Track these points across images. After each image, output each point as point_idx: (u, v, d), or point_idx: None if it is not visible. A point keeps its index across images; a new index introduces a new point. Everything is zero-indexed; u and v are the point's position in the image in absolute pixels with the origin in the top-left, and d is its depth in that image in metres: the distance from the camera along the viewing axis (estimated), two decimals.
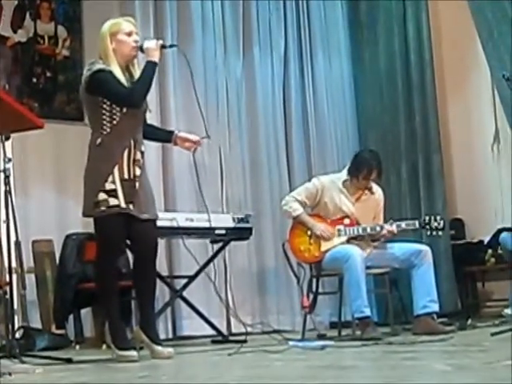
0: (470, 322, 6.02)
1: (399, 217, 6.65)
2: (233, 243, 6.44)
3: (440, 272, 6.82)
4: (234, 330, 7.05)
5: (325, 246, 5.79)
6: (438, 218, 5.80)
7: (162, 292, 6.59)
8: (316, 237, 5.81)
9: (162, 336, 6.43)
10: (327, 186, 5.91)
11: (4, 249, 4.61)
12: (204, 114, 7.16)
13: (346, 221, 5.84)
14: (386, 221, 5.90)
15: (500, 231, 7.07)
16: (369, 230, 5.78)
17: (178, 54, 7.10)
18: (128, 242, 4.88)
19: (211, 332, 6.34)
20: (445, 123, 8.27)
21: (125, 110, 4.61)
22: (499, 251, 7.29)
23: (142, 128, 4.79)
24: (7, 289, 4.80)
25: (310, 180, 6.24)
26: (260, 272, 7.57)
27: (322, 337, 6.05)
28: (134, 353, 4.57)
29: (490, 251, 7.74)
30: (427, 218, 5.81)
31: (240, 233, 6.18)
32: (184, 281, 6.23)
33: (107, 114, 4.60)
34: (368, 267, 5.63)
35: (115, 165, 4.56)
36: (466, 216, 8.20)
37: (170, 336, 6.88)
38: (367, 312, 5.51)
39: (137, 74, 4.72)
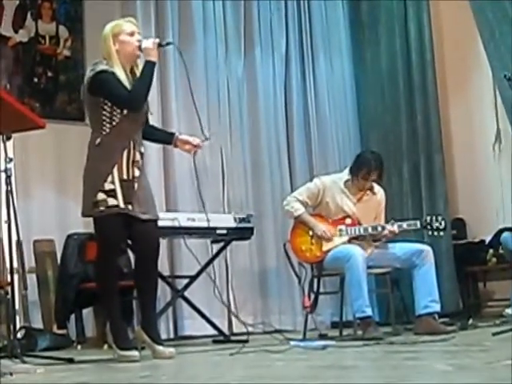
0: (471, 321, 6.02)
1: (401, 217, 6.67)
2: (234, 243, 6.45)
3: (441, 272, 6.81)
4: (235, 330, 7.04)
5: (326, 245, 5.79)
6: (440, 218, 5.80)
7: (163, 292, 6.59)
8: (317, 237, 5.81)
9: (164, 336, 6.43)
10: (329, 186, 5.91)
11: (5, 249, 4.61)
12: (205, 115, 7.27)
13: (348, 221, 5.84)
14: (387, 221, 5.90)
15: (501, 231, 7.07)
16: (370, 230, 5.79)
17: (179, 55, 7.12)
18: (129, 242, 4.89)
19: (213, 332, 6.35)
20: (446, 123, 8.27)
21: (125, 111, 4.62)
22: (500, 251, 7.29)
23: (143, 129, 4.80)
24: (9, 289, 4.81)
25: (311, 180, 6.25)
26: (261, 272, 7.57)
27: (323, 337, 6.05)
28: (135, 353, 4.57)
29: (491, 251, 7.74)
30: (428, 218, 5.80)
31: (241, 233, 6.18)
32: (185, 281, 6.24)
33: (107, 114, 4.61)
34: (369, 267, 5.63)
35: (114, 165, 4.57)
36: (467, 216, 8.20)
37: (172, 336, 6.88)
38: (369, 312, 5.51)
39: None
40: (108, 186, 4.54)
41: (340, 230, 5.82)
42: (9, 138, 4.56)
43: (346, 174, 5.94)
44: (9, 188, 4.50)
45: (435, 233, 5.78)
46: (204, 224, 5.63)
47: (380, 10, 8.41)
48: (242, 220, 6.13)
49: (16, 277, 4.84)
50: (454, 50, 8.37)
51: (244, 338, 5.67)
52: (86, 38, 7.31)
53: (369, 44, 8.50)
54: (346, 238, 5.79)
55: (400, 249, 5.79)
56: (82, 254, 6.45)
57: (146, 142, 4.95)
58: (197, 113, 5.08)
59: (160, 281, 5.74)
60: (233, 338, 6.34)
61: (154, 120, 5.69)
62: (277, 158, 7.84)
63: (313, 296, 6.03)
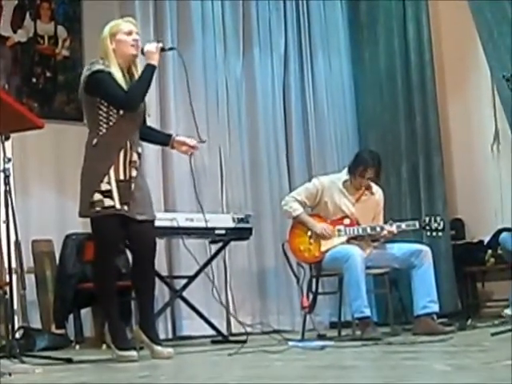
0: (469, 322, 6.02)
1: (399, 217, 6.67)
2: (233, 243, 6.45)
3: (440, 272, 6.81)
4: (233, 330, 7.04)
5: (325, 246, 5.79)
6: (438, 218, 5.80)
7: (161, 292, 6.59)
8: (316, 237, 5.81)
9: (162, 336, 6.43)
10: (327, 186, 5.91)
11: (4, 249, 4.61)
12: (204, 114, 7.27)
13: (346, 221, 5.84)
14: (385, 221, 5.90)
15: (500, 231, 7.08)
16: (369, 230, 5.79)
17: (179, 58, 7.12)
18: (127, 242, 4.89)
19: (211, 332, 6.35)
20: (445, 123, 8.27)
21: (122, 111, 4.62)
22: (499, 251, 7.29)
23: (141, 130, 4.79)
24: (7, 289, 4.80)
25: (310, 180, 6.25)
26: (260, 272, 7.57)
27: (321, 337, 6.05)
28: (133, 353, 4.57)
29: (489, 251, 7.74)
30: (427, 218, 5.81)
31: (240, 233, 6.18)
32: (184, 281, 6.23)
33: (104, 114, 4.61)
34: (368, 267, 5.63)
35: (111, 165, 4.57)
36: (466, 216, 8.20)
37: (170, 336, 6.88)
38: (367, 312, 5.51)
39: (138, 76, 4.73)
40: (104, 187, 4.54)
41: (339, 231, 5.82)
42: (7, 138, 4.56)
43: (344, 174, 5.95)
44: (7, 188, 4.50)
45: (434, 233, 5.78)
46: (202, 224, 5.63)
47: (379, 10, 8.41)
48: (240, 220, 6.13)
49: (14, 277, 4.83)
50: (453, 50, 8.37)
51: (242, 338, 5.67)
52: (85, 38, 7.31)
53: (367, 44, 8.50)
54: (344, 239, 5.79)
55: (398, 249, 5.80)
56: (80, 254, 6.45)
57: (144, 143, 4.95)
58: (193, 117, 5.07)
59: (158, 281, 5.75)
60: (231, 338, 6.35)
61: (152, 121, 5.69)
62: (275, 158, 7.84)
63: (311, 296, 6.03)
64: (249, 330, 6.27)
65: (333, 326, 7.29)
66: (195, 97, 7.16)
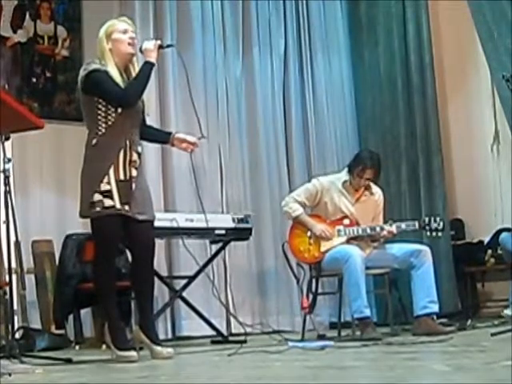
0: (469, 322, 6.02)
1: (399, 217, 6.66)
2: (232, 243, 6.45)
3: (440, 272, 6.81)
4: (233, 331, 7.04)
5: (324, 246, 5.79)
6: (438, 218, 5.80)
7: (161, 292, 6.60)
8: (316, 237, 5.81)
9: (162, 336, 6.43)
10: (327, 187, 5.92)
11: (4, 249, 4.61)
12: (204, 114, 7.26)
13: (346, 221, 5.84)
14: (385, 221, 5.90)
15: (500, 231, 7.09)
16: (368, 230, 5.79)
17: (178, 57, 7.11)
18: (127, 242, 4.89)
19: (211, 332, 6.35)
20: (445, 124, 8.27)
21: (120, 110, 4.62)
22: (499, 251, 7.29)
23: (140, 129, 4.79)
24: (7, 289, 4.80)
25: (309, 181, 6.25)
26: (260, 272, 7.57)
27: (321, 337, 6.04)
28: (133, 353, 4.57)
29: (489, 251, 7.74)
30: (427, 219, 5.81)
31: (240, 233, 6.18)
32: (184, 281, 6.23)
33: (102, 114, 4.61)
34: (368, 267, 5.63)
35: (111, 165, 4.57)
36: (466, 216, 8.20)
37: (170, 336, 6.87)
38: (367, 312, 5.51)
39: None
40: (104, 187, 4.54)
41: (338, 231, 5.82)
42: (7, 139, 4.56)
43: (344, 175, 5.95)
44: (7, 188, 4.50)
45: (434, 233, 5.78)
46: (202, 224, 5.62)
47: (378, 11, 8.41)
48: (240, 220, 6.13)
49: (14, 277, 4.83)
50: (453, 50, 8.37)
51: (242, 338, 5.67)
52: (85, 38, 7.31)
53: (367, 44, 8.49)
54: (344, 239, 5.80)
55: (398, 249, 5.80)
56: (80, 255, 6.45)
57: (143, 142, 4.95)
58: (195, 111, 5.08)
59: (158, 281, 5.76)
60: (231, 338, 6.35)
61: (152, 120, 5.70)
62: (275, 158, 7.84)
63: (311, 296, 6.03)
64: (248, 330, 6.27)
65: (333, 326, 7.29)
66: (195, 97, 7.15)
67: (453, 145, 8.36)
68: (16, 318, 5.84)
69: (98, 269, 4.69)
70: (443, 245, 7.63)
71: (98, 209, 4.54)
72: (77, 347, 6.27)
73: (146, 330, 4.69)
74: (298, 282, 6.19)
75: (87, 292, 6.01)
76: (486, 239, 7.85)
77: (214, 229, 5.90)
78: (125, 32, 4.73)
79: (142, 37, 6.15)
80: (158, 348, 4.66)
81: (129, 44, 4.70)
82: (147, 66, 4.70)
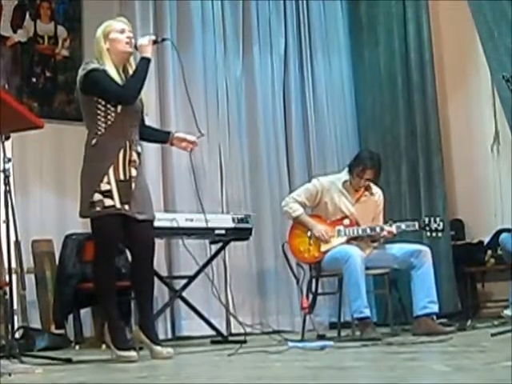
0: (469, 322, 6.01)
1: (399, 218, 6.66)
2: (232, 243, 6.45)
3: (440, 273, 6.81)
4: (233, 331, 7.04)
5: (324, 246, 5.79)
6: (438, 219, 5.80)
7: (161, 292, 6.60)
8: (316, 237, 5.81)
9: (162, 336, 6.43)
10: (327, 187, 5.92)
11: (4, 249, 4.61)
12: (204, 114, 7.27)
13: (346, 221, 5.84)
14: (385, 222, 5.90)
15: (500, 232, 7.08)
16: (368, 230, 5.79)
17: (180, 57, 7.11)
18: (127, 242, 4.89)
19: (211, 332, 6.35)
20: (445, 124, 8.27)
21: (119, 109, 4.62)
22: (499, 252, 7.29)
23: (139, 129, 4.80)
24: (7, 289, 4.80)
25: (309, 181, 6.25)
26: (259, 272, 7.57)
27: (321, 337, 6.04)
28: (133, 353, 4.57)
29: (489, 252, 7.74)
30: (427, 219, 5.81)
31: (240, 233, 6.18)
32: (184, 281, 6.23)
33: (102, 114, 4.61)
34: (367, 268, 5.63)
35: (110, 165, 4.57)
36: (466, 217, 8.20)
37: (170, 336, 6.88)
38: (367, 312, 5.51)
39: None
40: (104, 187, 4.54)
41: (338, 231, 5.82)
42: (7, 138, 4.56)
43: (344, 175, 5.95)
44: (7, 188, 4.50)
45: (434, 234, 5.78)
46: (202, 224, 5.62)
47: (379, 10, 8.41)
48: (240, 220, 6.13)
49: (14, 277, 4.83)
50: (453, 50, 8.37)
51: (242, 338, 5.67)
52: (85, 37, 7.30)
53: (367, 44, 8.49)
54: (344, 239, 5.79)
55: (398, 249, 5.80)
56: (80, 254, 6.45)
57: (143, 143, 4.95)
58: (190, 104, 5.09)
59: (158, 281, 5.75)
60: (231, 338, 6.34)
61: (152, 119, 5.69)
62: (275, 158, 7.84)
63: (311, 297, 6.03)
64: (248, 330, 6.27)
65: (332, 326, 7.29)
66: (195, 96, 7.17)
67: (453, 145, 8.36)
68: (16, 317, 5.84)
69: (97, 269, 4.69)
70: (443, 245, 7.63)
71: (98, 208, 4.54)
72: (77, 347, 6.27)
73: (145, 329, 4.69)
74: (297, 282, 6.20)
75: (87, 292, 6.00)
76: (486, 239, 7.85)
77: (213, 229, 5.90)
78: (122, 32, 4.74)
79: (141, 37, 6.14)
80: (158, 348, 4.66)
81: (126, 43, 4.71)
82: (144, 62, 4.70)
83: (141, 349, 4.80)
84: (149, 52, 4.72)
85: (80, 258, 6.44)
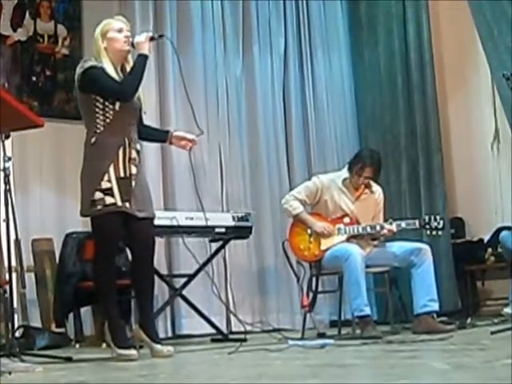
0: (469, 320, 6.02)
1: (399, 216, 6.66)
2: (232, 242, 6.45)
3: (440, 271, 6.82)
4: (233, 329, 7.04)
5: (325, 244, 5.79)
6: (438, 217, 5.80)
7: (161, 291, 6.60)
8: (316, 235, 5.82)
9: (162, 335, 6.44)
10: (327, 185, 5.92)
11: (4, 247, 4.61)
12: (204, 113, 7.28)
13: (346, 219, 5.84)
14: (385, 220, 5.90)
15: (500, 230, 7.08)
16: (369, 229, 5.79)
17: (179, 54, 7.10)
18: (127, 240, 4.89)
19: (211, 331, 6.34)
20: (445, 122, 8.27)
21: (117, 107, 4.63)
22: (499, 250, 7.28)
23: (138, 128, 4.80)
24: (7, 288, 4.80)
25: (309, 179, 6.25)
26: (260, 271, 7.57)
27: (321, 335, 6.05)
28: (133, 351, 4.57)
29: (489, 250, 7.74)
30: (427, 217, 5.81)
31: (240, 231, 6.18)
32: (184, 279, 6.23)
33: (100, 112, 4.62)
34: (368, 266, 5.64)
35: (110, 163, 4.58)
36: (466, 215, 8.20)
37: (170, 335, 6.88)
38: (367, 311, 5.52)
39: None
40: (105, 185, 4.55)
41: (338, 229, 5.82)
42: (7, 137, 4.56)
43: (344, 172, 5.96)
44: (7, 187, 4.50)
45: (434, 232, 5.78)
46: (202, 223, 5.63)
47: (379, 10, 8.40)
48: (240, 219, 6.13)
49: (14, 275, 4.83)
50: (453, 49, 8.37)
51: (242, 336, 5.67)
52: (85, 36, 7.29)
53: (367, 44, 8.49)
54: (344, 237, 5.80)
55: (398, 248, 5.80)
56: (80, 253, 6.45)
57: (142, 142, 4.96)
58: (189, 102, 5.10)
59: (158, 279, 5.75)
60: (231, 336, 6.34)
61: (151, 118, 5.70)
62: (275, 157, 7.84)
63: (311, 295, 6.03)
64: (249, 328, 6.28)
65: (333, 324, 7.29)
66: (195, 96, 7.19)
67: (453, 143, 8.36)
68: (16, 316, 5.84)
69: (98, 267, 4.70)
70: (443, 243, 7.63)
71: (99, 207, 4.54)
72: (77, 346, 6.27)
73: (145, 328, 4.70)
74: (298, 280, 6.20)
75: (87, 290, 6.00)
76: (486, 237, 7.85)
77: (214, 227, 5.91)
78: (120, 31, 4.75)
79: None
80: (158, 346, 4.66)
81: (124, 42, 4.72)
82: (141, 59, 4.71)
83: (141, 347, 4.80)
84: (146, 49, 4.72)
85: (80, 256, 6.44)
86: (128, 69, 4.75)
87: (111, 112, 4.62)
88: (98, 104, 4.62)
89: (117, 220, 4.59)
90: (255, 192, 7.67)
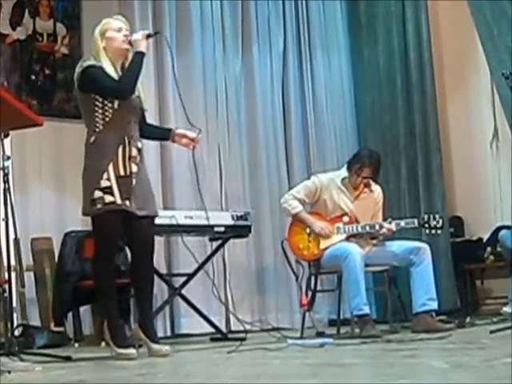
0: (468, 319, 6.02)
1: (398, 215, 6.67)
2: (232, 241, 6.45)
3: (439, 270, 6.82)
4: (233, 328, 7.04)
5: (324, 243, 5.79)
6: (437, 216, 5.80)
7: (160, 290, 6.59)
8: (315, 234, 5.82)
9: (161, 334, 6.44)
10: (326, 184, 5.92)
11: (3, 247, 4.61)
12: (203, 112, 7.28)
13: (345, 219, 5.84)
14: (385, 219, 5.90)
15: (499, 229, 7.09)
16: (368, 228, 5.79)
17: (178, 54, 7.11)
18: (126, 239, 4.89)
19: (210, 330, 6.35)
20: (444, 122, 8.27)
21: (116, 105, 4.63)
22: (498, 249, 7.29)
23: (140, 127, 4.80)
24: (6, 287, 4.80)
25: (309, 178, 6.25)
26: (259, 270, 7.57)
27: (320, 334, 6.04)
28: (132, 351, 4.57)
29: (489, 249, 7.74)
30: (426, 216, 5.81)
31: (239, 230, 6.18)
32: (183, 279, 6.23)
33: (100, 110, 4.62)
34: (367, 265, 5.63)
35: (110, 162, 4.58)
36: (465, 214, 8.21)
37: (169, 334, 6.88)
38: (366, 310, 5.52)
39: None
40: (104, 184, 4.55)
41: (338, 228, 5.82)
42: (6, 136, 4.56)
43: (343, 172, 5.95)
44: (6, 186, 4.50)
45: (433, 231, 5.78)
46: (202, 222, 5.63)
47: (378, 10, 8.40)
48: (239, 218, 6.13)
49: (13, 274, 4.83)
50: (452, 48, 8.37)
51: (241, 335, 5.67)
52: (84, 35, 7.29)
53: (367, 43, 8.49)
54: (343, 236, 5.79)
55: (397, 247, 5.80)
56: (79, 252, 6.45)
57: (144, 140, 4.95)
58: (181, 101, 5.12)
59: (157, 279, 5.75)
60: (230, 335, 6.34)
61: (151, 116, 5.68)
62: (274, 156, 7.84)
63: (310, 294, 6.03)
64: (248, 327, 6.27)
65: (332, 323, 7.29)
66: (194, 95, 7.20)
67: (452, 143, 8.36)
68: (15, 315, 5.84)
69: (97, 266, 4.70)
70: (442, 242, 7.64)
71: (99, 206, 4.54)
72: (76, 345, 6.27)
73: (144, 327, 4.70)
74: (297, 279, 6.20)
75: (86, 289, 6.01)
76: (486, 236, 7.85)
77: (213, 226, 5.91)
78: (119, 30, 4.75)
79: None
80: (156, 346, 4.66)
81: (122, 41, 4.73)
82: (138, 56, 4.71)
83: (140, 346, 4.80)
84: (143, 46, 4.73)
85: (79, 255, 6.44)
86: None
87: (110, 110, 4.62)
88: (97, 103, 4.62)
89: (116, 219, 4.59)
90: (254, 191, 7.67)
